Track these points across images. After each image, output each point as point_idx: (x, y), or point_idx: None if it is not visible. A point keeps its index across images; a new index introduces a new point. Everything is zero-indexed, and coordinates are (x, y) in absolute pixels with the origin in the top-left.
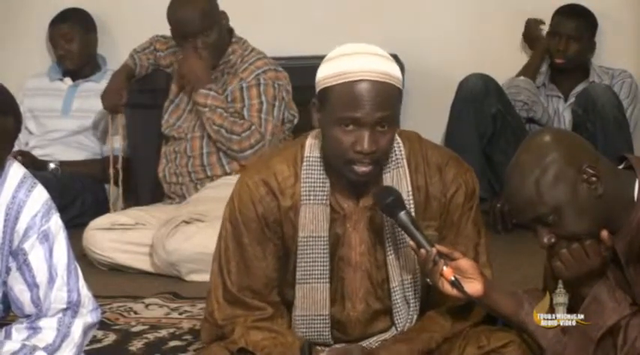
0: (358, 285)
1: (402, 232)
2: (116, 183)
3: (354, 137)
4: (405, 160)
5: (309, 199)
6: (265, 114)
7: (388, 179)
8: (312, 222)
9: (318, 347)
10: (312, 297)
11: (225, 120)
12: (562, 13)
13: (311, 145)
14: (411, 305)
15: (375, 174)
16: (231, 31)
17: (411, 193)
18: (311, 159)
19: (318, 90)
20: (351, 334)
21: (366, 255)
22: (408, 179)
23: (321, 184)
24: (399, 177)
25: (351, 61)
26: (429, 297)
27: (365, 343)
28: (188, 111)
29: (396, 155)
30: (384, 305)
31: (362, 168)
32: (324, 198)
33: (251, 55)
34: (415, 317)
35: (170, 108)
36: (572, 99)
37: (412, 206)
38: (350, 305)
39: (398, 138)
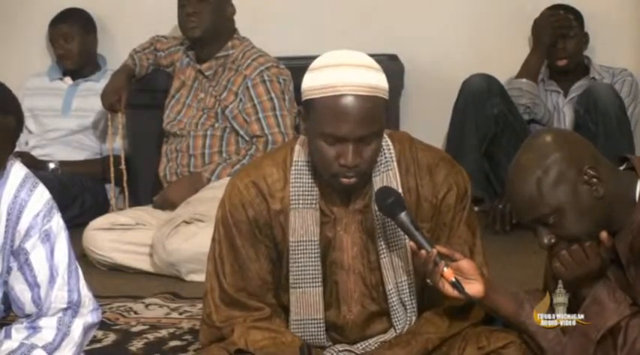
0: (352, 288)
1: (395, 234)
2: (118, 183)
3: (338, 151)
4: (395, 162)
5: (299, 204)
6: (280, 110)
7: (378, 182)
8: (302, 227)
9: (318, 348)
10: (305, 301)
11: (235, 164)
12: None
13: (299, 150)
14: (408, 306)
15: (362, 183)
16: (233, 22)
17: (402, 195)
18: (299, 163)
19: (303, 99)
20: (348, 337)
21: (359, 258)
22: (399, 181)
23: (309, 189)
24: (389, 180)
25: (335, 73)
26: (425, 298)
27: (364, 345)
28: (187, 105)
29: (385, 157)
30: (381, 307)
31: (347, 181)
32: (314, 202)
33: (253, 51)
34: (414, 318)
35: (171, 104)
36: (572, 95)
37: None
38: (346, 309)
39: (388, 140)
